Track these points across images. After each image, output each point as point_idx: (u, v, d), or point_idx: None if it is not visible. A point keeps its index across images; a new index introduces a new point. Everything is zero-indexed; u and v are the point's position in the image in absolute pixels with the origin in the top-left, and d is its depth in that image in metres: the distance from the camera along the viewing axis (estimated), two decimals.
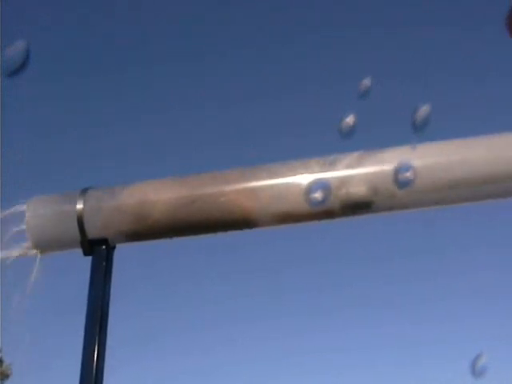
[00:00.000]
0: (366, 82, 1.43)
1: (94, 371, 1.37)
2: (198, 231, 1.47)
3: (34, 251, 1.50)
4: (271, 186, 1.41)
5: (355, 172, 1.39)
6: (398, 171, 1.34)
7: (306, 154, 1.45)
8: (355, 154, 1.40)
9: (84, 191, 1.50)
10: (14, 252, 1.49)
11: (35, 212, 1.50)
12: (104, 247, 1.48)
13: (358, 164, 1.39)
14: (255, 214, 1.40)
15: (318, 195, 1.38)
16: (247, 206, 1.40)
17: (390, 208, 1.38)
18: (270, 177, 1.41)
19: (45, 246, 1.50)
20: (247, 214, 1.41)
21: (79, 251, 1.49)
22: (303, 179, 1.40)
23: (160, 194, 1.46)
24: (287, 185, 1.40)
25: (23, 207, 1.51)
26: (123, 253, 1.52)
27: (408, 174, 1.33)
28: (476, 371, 1.36)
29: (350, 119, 1.37)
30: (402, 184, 1.35)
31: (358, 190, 1.37)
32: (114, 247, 1.50)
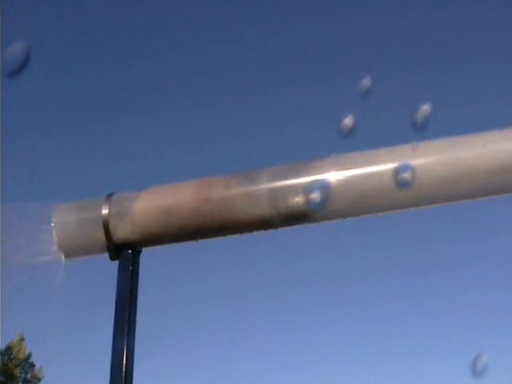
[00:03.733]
0: (366, 82, 1.43)
1: (124, 375, 1.39)
2: (221, 233, 1.48)
3: (62, 257, 1.51)
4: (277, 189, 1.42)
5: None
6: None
7: (309, 154, 1.46)
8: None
9: (109, 197, 1.51)
10: (42, 258, 1.51)
11: (62, 218, 1.52)
12: (130, 251, 1.49)
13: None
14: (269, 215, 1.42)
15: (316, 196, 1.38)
16: (265, 208, 1.41)
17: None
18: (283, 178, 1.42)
19: (72, 251, 1.51)
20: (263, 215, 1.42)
21: (106, 256, 1.50)
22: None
23: (183, 197, 1.46)
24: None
25: (50, 213, 1.52)
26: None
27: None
28: (476, 371, 1.36)
29: (348, 120, 1.37)
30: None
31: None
32: (139, 251, 1.51)
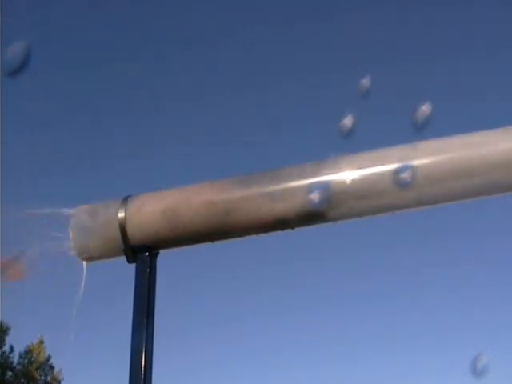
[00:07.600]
0: (366, 82, 1.43)
1: (143, 376, 1.39)
2: (238, 234, 1.48)
3: (80, 260, 1.52)
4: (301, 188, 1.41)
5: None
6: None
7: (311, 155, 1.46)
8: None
9: (125, 199, 1.51)
10: (60, 261, 1.51)
11: (79, 222, 1.52)
12: (147, 254, 1.49)
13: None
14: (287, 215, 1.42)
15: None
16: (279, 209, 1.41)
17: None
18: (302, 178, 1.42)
19: (89, 255, 1.52)
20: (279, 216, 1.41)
21: (123, 259, 1.50)
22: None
23: (199, 199, 1.46)
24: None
25: (66, 217, 1.53)
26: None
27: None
28: (476, 371, 1.35)
29: (348, 121, 1.37)
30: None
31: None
32: (157, 253, 1.51)
